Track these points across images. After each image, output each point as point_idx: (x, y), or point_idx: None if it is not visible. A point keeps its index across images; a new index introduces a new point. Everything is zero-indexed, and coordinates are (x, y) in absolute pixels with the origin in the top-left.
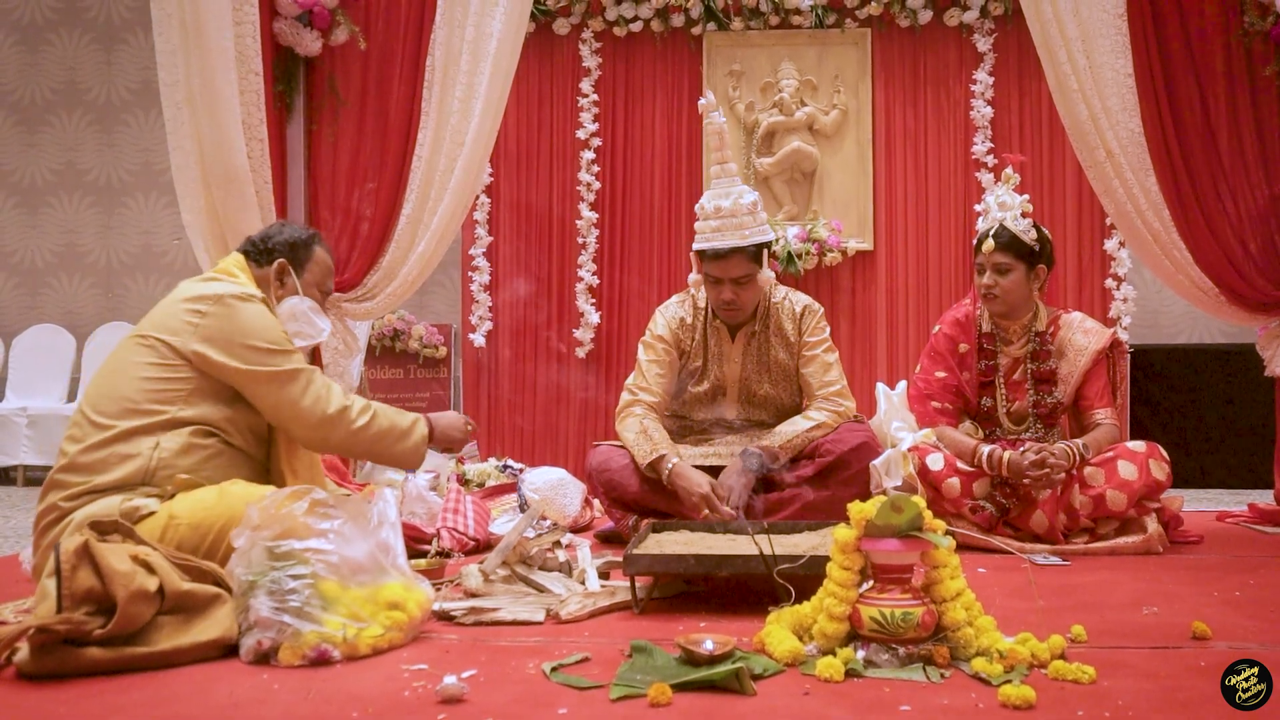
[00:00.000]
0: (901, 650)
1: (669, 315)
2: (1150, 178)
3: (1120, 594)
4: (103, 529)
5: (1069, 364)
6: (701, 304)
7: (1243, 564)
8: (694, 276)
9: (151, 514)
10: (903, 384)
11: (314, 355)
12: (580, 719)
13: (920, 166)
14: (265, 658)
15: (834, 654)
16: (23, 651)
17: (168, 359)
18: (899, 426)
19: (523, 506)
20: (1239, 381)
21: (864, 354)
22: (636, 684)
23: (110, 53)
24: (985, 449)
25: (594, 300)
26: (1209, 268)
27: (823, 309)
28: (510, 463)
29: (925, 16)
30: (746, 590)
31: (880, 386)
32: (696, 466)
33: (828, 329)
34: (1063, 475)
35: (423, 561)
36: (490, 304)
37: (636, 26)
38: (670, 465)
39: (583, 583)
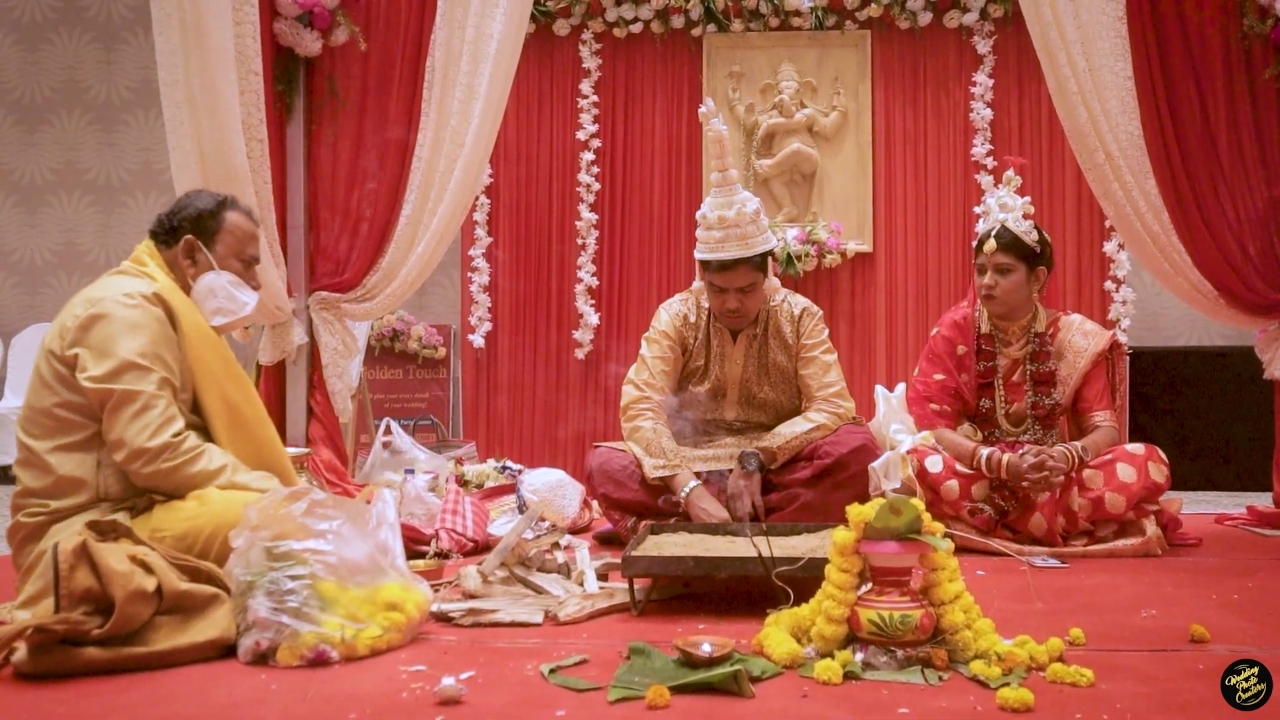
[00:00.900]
0: (900, 653)
1: (673, 312)
2: (1150, 180)
3: (1119, 597)
4: (101, 529)
5: (1068, 365)
6: (704, 304)
7: (1241, 567)
8: (697, 284)
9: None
10: (901, 386)
11: (313, 355)
12: None
13: (920, 168)
14: (263, 658)
15: (832, 656)
16: (21, 651)
17: (63, 374)
18: (898, 429)
19: (521, 508)
20: (1238, 384)
21: (863, 356)
22: (635, 686)
23: (110, 52)
24: (984, 451)
25: (593, 301)
26: (1208, 270)
27: (821, 311)
28: (509, 464)
29: (925, 18)
30: (745, 592)
31: (879, 389)
32: (698, 471)
33: (826, 331)
34: (1061, 478)
35: (421, 562)
36: (490, 305)
37: (636, 28)
38: (689, 490)
39: (581, 584)
